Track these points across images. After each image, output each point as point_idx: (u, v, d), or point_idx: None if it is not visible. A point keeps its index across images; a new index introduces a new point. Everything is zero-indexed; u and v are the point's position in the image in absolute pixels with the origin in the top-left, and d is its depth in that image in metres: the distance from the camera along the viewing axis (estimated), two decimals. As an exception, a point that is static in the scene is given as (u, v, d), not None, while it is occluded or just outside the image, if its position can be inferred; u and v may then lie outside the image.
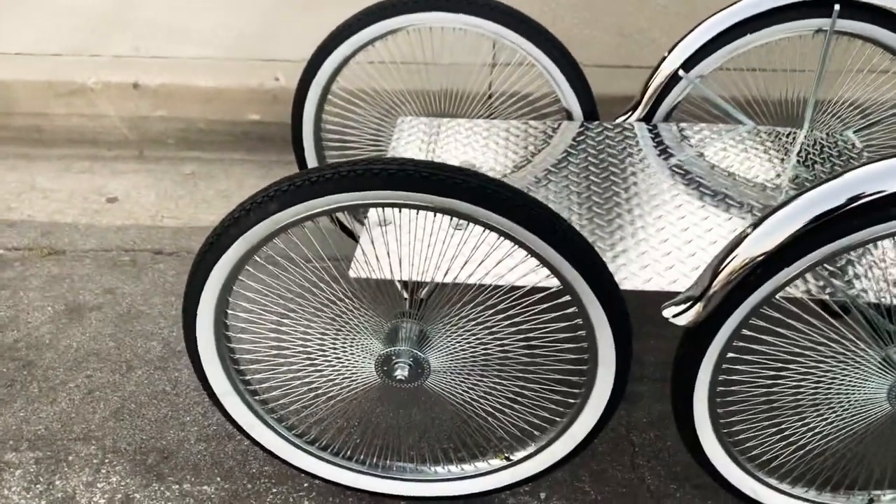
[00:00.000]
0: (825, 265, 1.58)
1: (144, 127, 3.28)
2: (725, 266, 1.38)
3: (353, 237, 2.36)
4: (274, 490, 1.84)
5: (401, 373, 1.55)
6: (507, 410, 1.66)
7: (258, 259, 1.47)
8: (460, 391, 1.66)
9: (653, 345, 2.16)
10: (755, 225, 1.36)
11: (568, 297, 1.44)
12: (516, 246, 1.36)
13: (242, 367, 1.65)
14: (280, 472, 1.88)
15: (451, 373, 1.62)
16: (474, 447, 1.83)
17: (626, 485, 1.84)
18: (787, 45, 2.00)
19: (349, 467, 1.76)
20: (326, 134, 2.29)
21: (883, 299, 1.51)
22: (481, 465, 1.75)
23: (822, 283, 1.56)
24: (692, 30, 2.02)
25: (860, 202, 1.28)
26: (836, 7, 1.89)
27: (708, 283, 1.40)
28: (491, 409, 1.68)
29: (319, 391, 1.67)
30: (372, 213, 1.75)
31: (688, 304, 1.42)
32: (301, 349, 1.64)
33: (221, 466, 1.91)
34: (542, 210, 1.33)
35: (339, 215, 2.26)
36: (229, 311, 1.54)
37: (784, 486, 1.68)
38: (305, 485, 1.85)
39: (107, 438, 1.99)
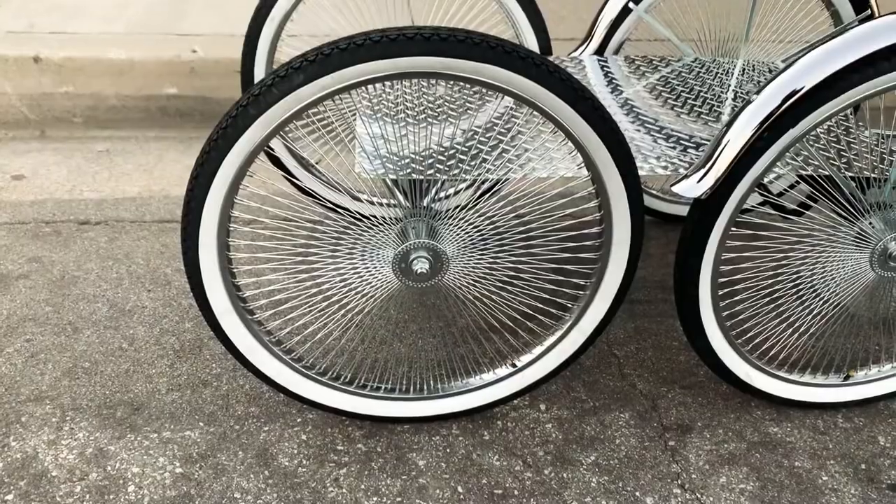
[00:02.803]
0: (809, 140, 1.70)
1: (47, 105, 3.04)
2: (732, 136, 1.45)
3: (288, 173, 2.25)
4: (266, 428, 1.73)
5: (421, 266, 1.51)
6: (517, 302, 1.65)
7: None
8: (476, 285, 1.63)
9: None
10: (757, 92, 1.45)
11: (587, 175, 1.46)
12: (526, 126, 1.37)
13: (240, 283, 1.55)
14: (269, 411, 1.77)
15: (467, 265, 1.59)
16: (480, 357, 1.80)
17: (619, 391, 1.87)
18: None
19: (350, 391, 1.68)
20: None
21: (861, 173, 1.64)
22: (487, 377, 1.72)
23: (806, 160, 1.67)
24: (640, -37, 2.13)
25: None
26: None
27: (716, 154, 1.47)
28: (500, 302, 1.67)
29: (337, 301, 1.59)
30: (361, 125, 1.72)
31: (701, 175, 1.48)
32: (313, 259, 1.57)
33: (202, 412, 1.77)
34: (574, 81, 1.35)
35: (277, 145, 2.17)
36: (234, 215, 1.45)
37: (773, 370, 1.77)
38: (299, 420, 1.75)
39: (63, 397, 1.80)
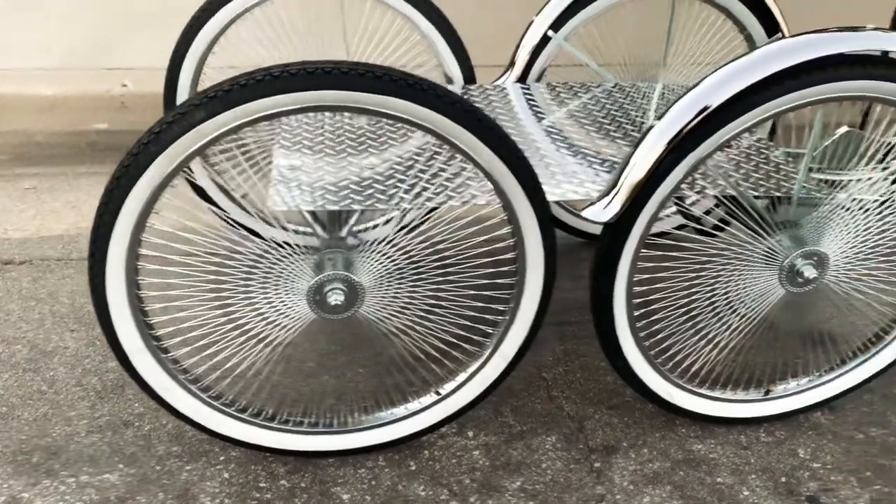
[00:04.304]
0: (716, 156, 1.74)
1: (-29, 143, 2.98)
2: (638, 159, 1.49)
3: (208, 199, 2.23)
4: (188, 468, 1.70)
5: (335, 299, 1.50)
6: (438, 331, 1.66)
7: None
8: (393, 316, 1.63)
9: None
10: (659, 118, 1.48)
11: (497, 203, 1.48)
12: (445, 155, 1.38)
13: (152, 321, 1.53)
14: (191, 450, 1.74)
15: (384, 297, 1.59)
16: (406, 387, 1.80)
17: (546, 414, 1.88)
18: (641, 5, 2.22)
19: (272, 427, 1.66)
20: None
21: (767, 193, 1.69)
22: (412, 406, 1.72)
23: (712, 181, 1.71)
24: (557, -8, 2.18)
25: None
26: (677, -31, 2.13)
27: (622, 178, 1.50)
28: (421, 332, 1.67)
29: (251, 332, 1.58)
30: (278, 157, 1.72)
31: (608, 200, 1.50)
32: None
33: (122, 453, 1.73)
34: (477, 112, 1.37)
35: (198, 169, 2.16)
36: (142, 253, 1.43)
37: (695, 388, 1.80)
38: (221, 458, 1.72)
39: (-24, 445, 1.74)
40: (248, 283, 1.54)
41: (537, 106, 2.14)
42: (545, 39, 2.21)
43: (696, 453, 1.77)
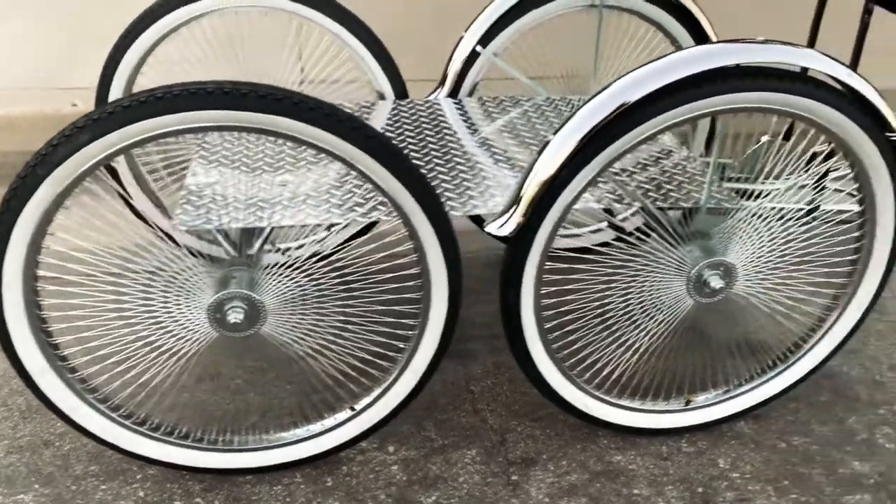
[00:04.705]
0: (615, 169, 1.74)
1: (-79, 165, 2.98)
2: (536, 173, 1.50)
3: (141, 217, 2.24)
4: (103, 487, 1.70)
5: (235, 317, 1.51)
6: (348, 350, 1.66)
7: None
8: (301, 336, 1.64)
9: (479, 309, 2.23)
10: (556, 132, 1.49)
11: (397, 219, 1.49)
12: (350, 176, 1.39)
13: (57, 341, 1.53)
14: (109, 469, 1.74)
15: (290, 317, 1.60)
16: (322, 405, 1.80)
17: (470, 427, 1.88)
18: (572, 19, 2.24)
19: (186, 445, 1.67)
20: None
21: (676, 204, 1.70)
22: (327, 422, 1.72)
23: (616, 193, 1.72)
24: (485, 8, 2.20)
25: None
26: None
27: (522, 191, 1.51)
28: (330, 352, 1.67)
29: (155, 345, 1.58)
30: (192, 174, 1.73)
31: (508, 215, 1.51)
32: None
33: (39, 474, 1.73)
34: (367, 129, 1.38)
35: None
36: (40, 274, 1.44)
37: (613, 399, 1.80)
38: (138, 476, 1.72)
39: None
40: (149, 298, 1.54)
41: (467, 121, 2.15)
42: (475, 54, 2.23)
43: (615, 465, 1.78)
